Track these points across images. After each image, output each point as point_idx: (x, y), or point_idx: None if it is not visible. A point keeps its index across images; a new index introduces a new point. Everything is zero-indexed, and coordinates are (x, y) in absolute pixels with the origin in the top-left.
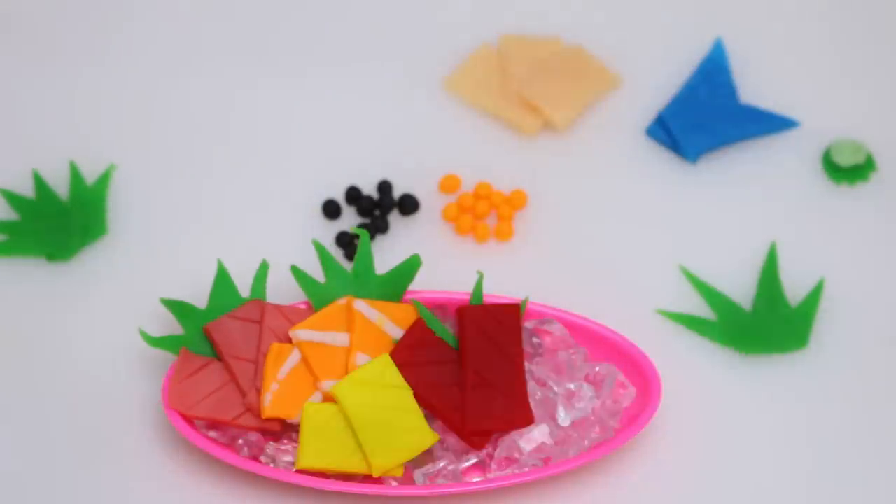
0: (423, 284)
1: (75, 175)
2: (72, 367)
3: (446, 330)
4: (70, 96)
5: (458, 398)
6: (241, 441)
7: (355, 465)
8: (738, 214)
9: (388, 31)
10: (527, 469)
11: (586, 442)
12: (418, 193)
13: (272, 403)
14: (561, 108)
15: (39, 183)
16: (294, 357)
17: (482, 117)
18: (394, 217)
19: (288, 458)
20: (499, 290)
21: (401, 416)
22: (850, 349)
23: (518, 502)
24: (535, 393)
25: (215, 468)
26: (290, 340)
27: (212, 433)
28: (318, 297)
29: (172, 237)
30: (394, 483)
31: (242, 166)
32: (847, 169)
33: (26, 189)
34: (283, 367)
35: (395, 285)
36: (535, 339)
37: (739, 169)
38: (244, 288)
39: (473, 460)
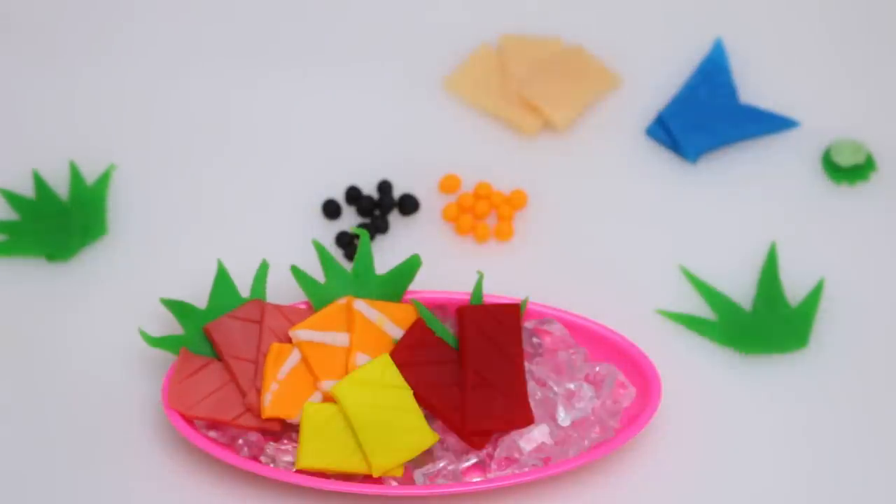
0: (423, 284)
1: (75, 175)
2: (72, 367)
3: (446, 330)
4: (70, 96)
5: (458, 398)
6: (241, 441)
7: (355, 465)
8: (738, 214)
9: (388, 31)
10: (527, 469)
11: (586, 442)
12: (418, 193)
13: (272, 403)
14: (561, 108)
15: (39, 183)
16: (294, 357)
17: (482, 117)
18: (394, 217)
19: (288, 458)
20: (499, 290)
21: (401, 416)
22: (850, 349)
23: (518, 502)
24: (535, 393)
25: (215, 468)
26: (290, 340)
27: (212, 433)
28: (318, 297)
29: (172, 237)
30: (394, 483)
31: (242, 166)
32: (847, 169)
33: (26, 189)
34: (283, 367)
35: (395, 285)
36: (535, 339)
37: (739, 169)
38: (244, 288)
39: (473, 460)
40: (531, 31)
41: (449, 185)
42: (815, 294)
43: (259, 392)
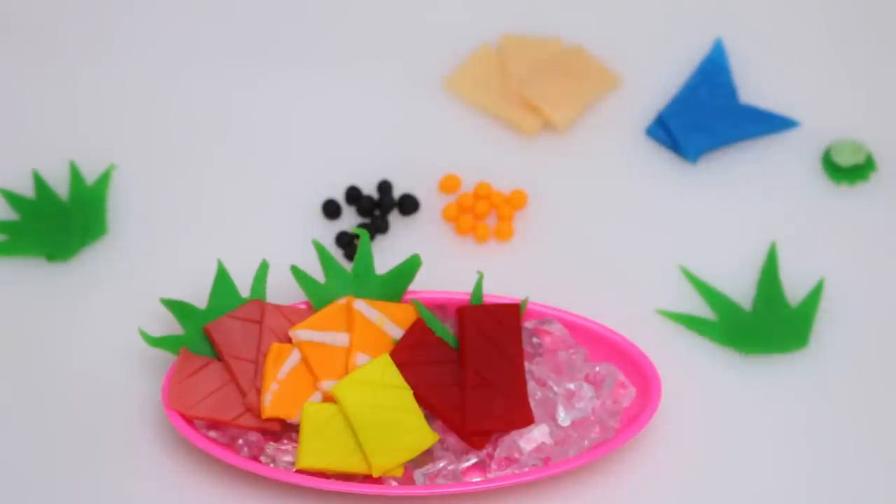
0: (423, 284)
1: (75, 175)
2: (72, 367)
3: (446, 330)
4: (70, 96)
5: (458, 398)
6: (241, 441)
7: (355, 465)
8: (738, 214)
9: (388, 31)
10: (527, 469)
11: (586, 442)
12: (418, 193)
13: (272, 403)
14: (561, 108)
15: (39, 183)
16: (294, 357)
17: (482, 117)
18: (394, 217)
19: (288, 458)
20: (499, 290)
21: (401, 416)
22: (850, 349)
23: (518, 502)
24: (535, 393)
25: (215, 468)
26: (290, 340)
27: (212, 433)
28: (318, 297)
29: (172, 237)
30: (394, 483)
31: (242, 166)
32: (847, 169)
33: (26, 189)
34: (283, 367)
35: (395, 285)
36: (535, 339)
37: (739, 169)
38: (244, 288)
39: (473, 460)
40: (531, 31)
41: (449, 185)
42: (815, 294)
43: (259, 392)
